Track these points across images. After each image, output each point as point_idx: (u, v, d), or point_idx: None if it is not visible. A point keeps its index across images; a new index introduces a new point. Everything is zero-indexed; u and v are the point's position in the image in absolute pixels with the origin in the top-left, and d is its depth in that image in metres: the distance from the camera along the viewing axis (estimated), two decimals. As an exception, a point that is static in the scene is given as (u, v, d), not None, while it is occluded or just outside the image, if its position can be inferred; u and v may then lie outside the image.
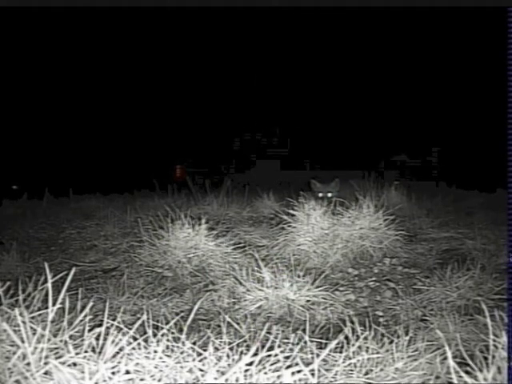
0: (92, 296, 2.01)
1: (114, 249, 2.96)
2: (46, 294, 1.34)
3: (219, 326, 1.71)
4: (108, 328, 1.25)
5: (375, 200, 2.89)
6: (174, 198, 4.31)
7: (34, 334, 1.20)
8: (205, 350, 1.23)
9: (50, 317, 1.26)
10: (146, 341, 1.25)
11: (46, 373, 1.11)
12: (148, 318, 1.32)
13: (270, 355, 1.19)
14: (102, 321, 1.27)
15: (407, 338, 1.41)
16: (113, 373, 1.13)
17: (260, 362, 1.17)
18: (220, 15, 6.85)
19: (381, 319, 1.86)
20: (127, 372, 1.14)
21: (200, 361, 1.20)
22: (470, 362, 1.15)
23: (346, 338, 1.41)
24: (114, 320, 1.30)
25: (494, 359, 1.14)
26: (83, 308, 1.36)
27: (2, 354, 1.18)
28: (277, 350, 1.20)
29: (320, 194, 3.56)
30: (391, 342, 1.38)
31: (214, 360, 1.20)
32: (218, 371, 1.16)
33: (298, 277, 2.08)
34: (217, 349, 1.26)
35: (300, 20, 7.17)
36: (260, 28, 7.43)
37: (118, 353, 1.19)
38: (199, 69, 7.88)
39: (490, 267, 2.24)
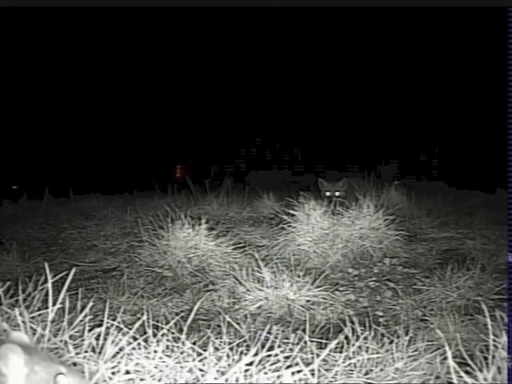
0: (92, 296, 2.01)
1: (113, 249, 2.96)
2: (46, 294, 1.34)
3: (219, 325, 1.71)
4: (108, 328, 1.25)
5: (375, 200, 2.88)
6: (173, 198, 4.30)
7: (34, 334, 1.21)
8: (205, 350, 1.23)
9: (50, 317, 1.26)
10: (145, 341, 1.25)
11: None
12: (148, 318, 1.32)
13: (270, 355, 1.19)
14: (102, 321, 1.27)
15: (407, 338, 1.41)
16: (113, 373, 1.13)
17: (260, 362, 1.17)
18: (224, 15, 6.84)
19: (381, 319, 1.86)
20: (127, 372, 1.14)
21: (200, 361, 1.21)
22: (470, 362, 1.15)
23: (346, 337, 1.41)
24: (114, 320, 1.30)
25: (494, 359, 1.14)
26: (83, 308, 1.36)
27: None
28: (277, 350, 1.20)
29: (328, 193, 3.50)
30: (391, 342, 1.38)
31: (214, 360, 1.21)
32: (218, 371, 1.16)
33: (298, 277, 2.08)
34: (217, 349, 1.27)
35: (302, 20, 7.17)
36: (262, 29, 7.43)
37: (118, 353, 1.19)
38: (201, 69, 7.88)
39: (490, 267, 2.24)
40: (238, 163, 8.74)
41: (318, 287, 2.01)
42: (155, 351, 1.22)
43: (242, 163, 8.79)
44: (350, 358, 1.30)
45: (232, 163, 8.67)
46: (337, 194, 3.49)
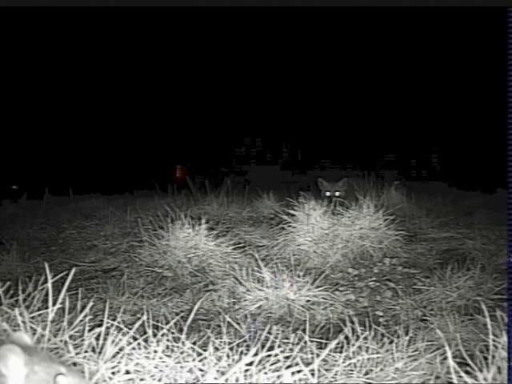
0: (92, 296, 2.01)
1: (113, 249, 2.96)
2: (46, 294, 1.34)
3: (219, 325, 1.71)
4: (108, 328, 1.25)
5: (375, 200, 2.88)
6: (173, 198, 4.30)
7: (34, 334, 1.20)
8: (205, 350, 1.23)
9: (50, 317, 1.26)
10: (146, 341, 1.25)
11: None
12: (148, 318, 1.32)
13: (270, 355, 1.19)
14: (102, 321, 1.27)
15: (407, 338, 1.41)
16: (113, 373, 1.13)
17: (260, 362, 1.17)
18: (224, 15, 6.84)
19: (381, 319, 1.86)
20: (127, 372, 1.14)
21: (200, 361, 1.21)
22: (470, 362, 1.15)
23: (346, 338, 1.41)
24: (114, 320, 1.30)
25: (494, 359, 1.14)
26: (83, 308, 1.36)
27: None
28: (277, 350, 1.20)
29: (327, 194, 3.48)
30: (391, 342, 1.38)
31: (214, 360, 1.20)
32: (218, 371, 1.16)
33: (298, 277, 2.08)
34: (217, 349, 1.26)
35: (302, 20, 7.17)
36: (263, 30, 7.43)
37: (117, 353, 1.19)
38: (201, 70, 7.88)
39: (489, 267, 2.24)
40: (237, 163, 8.75)
41: (318, 287, 2.01)
42: (155, 351, 1.22)
43: (241, 163, 8.81)
44: (350, 358, 1.30)
45: (231, 163, 8.68)
46: (337, 193, 3.47)
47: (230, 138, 8.79)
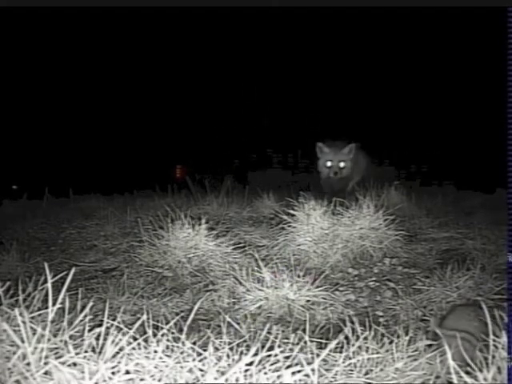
0: (92, 296, 2.01)
1: (113, 249, 2.96)
2: (46, 294, 1.34)
3: (219, 326, 1.71)
4: (108, 328, 1.25)
5: (375, 200, 2.88)
6: (173, 198, 4.30)
7: (34, 333, 1.20)
8: (205, 350, 1.23)
9: (50, 317, 1.26)
10: (146, 341, 1.25)
11: (46, 373, 1.11)
12: (148, 318, 1.32)
13: (270, 355, 1.19)
14: (102, 321, 1.27)
15: (407, 338, 1.41)
16: (113, 373, 1.13)
17: (260, 362, 1.17)
18: (222, 15, 6.84)
19: (381, 319, 1.86)
20: (127, 372, 1.14)
21: (200, 361, 1.20)
22: (470, 362, 1.15)
23: (346, 338, 1.41)
24: (114, 320, 1.30)
25: (494, 359, 1.14)
26: (83, 308, 1.36)
27: (1, 354, 1.18)
28: (277, 350, 1.20)
29: (329, 163, 2.70)
30: (391, 342, 1.38)
31: (214, 360, 1.20)
32: (217, 371, 1.16)
33: (298, 277, 2.08)
34: (217, 349, 1.26)
35: (302, 20, 7.16)
36: (262, 29, 7.43)
37: (117, 353, 1.19)
38: (201, 69, 7.88)
39: (489, 267, 2.24)
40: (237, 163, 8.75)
41: (318, 287, 2.01)
42: (155, 351, 1.22)
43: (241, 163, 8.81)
44: (350, 358, 1.30)
45: (232, 163, 8.68)
46: (341, 164, 2.77)
47: (231, 139, 8.79)
